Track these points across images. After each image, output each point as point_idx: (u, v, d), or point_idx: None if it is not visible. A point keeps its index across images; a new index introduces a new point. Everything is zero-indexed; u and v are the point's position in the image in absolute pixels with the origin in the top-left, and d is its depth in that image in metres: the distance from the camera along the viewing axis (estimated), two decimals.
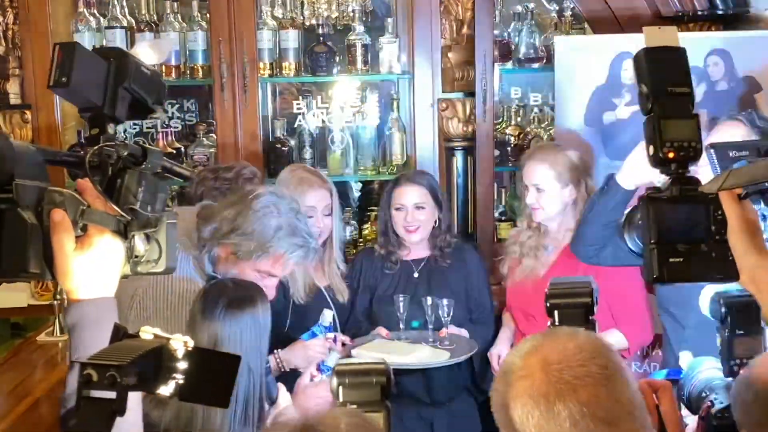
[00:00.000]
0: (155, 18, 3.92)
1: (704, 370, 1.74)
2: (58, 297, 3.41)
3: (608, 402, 1.27)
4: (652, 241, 1.35)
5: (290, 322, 3.16)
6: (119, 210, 1.22)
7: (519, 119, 4.14)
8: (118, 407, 0.99)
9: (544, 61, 3.95)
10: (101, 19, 3.87)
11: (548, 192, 3.14)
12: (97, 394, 0.99)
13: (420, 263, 3.40)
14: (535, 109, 4.14)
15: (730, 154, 1.80)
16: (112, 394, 0.98)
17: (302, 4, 3.95)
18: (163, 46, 1.43)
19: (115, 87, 1.30)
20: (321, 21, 3.92)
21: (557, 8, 4.07)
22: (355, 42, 3.90)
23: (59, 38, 3.82)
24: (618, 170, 2.63)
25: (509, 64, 4.00)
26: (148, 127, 4.13)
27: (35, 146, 1.22)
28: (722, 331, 1.71)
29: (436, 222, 3.36)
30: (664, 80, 1.38)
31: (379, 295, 3.38)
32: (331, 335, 3.08)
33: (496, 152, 3.94)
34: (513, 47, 3.99)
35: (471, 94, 3.81)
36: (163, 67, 3.87)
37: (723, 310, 1.70)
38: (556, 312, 1.59)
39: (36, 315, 3.79)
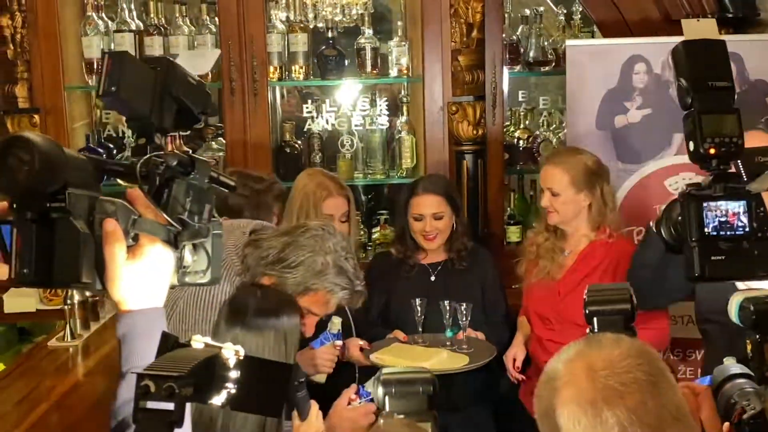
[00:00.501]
0: (164, 21, 3.91)
1: (731, 375, 1.73)
2: (68, 302, 3.39)
3: (655, 408, 1.26)
4: (694, 239, 1.34)
5: None
6: (170, 219, 1.21)
7: (528, 122, 4.15)
8: (177, 418, 0.98)
9: (553, 64, 3.96)
10: (110, 22, 3.85)
11: (562, 196, 3.13)
12: (154, 405, 0.98)
13: (437, 267, 3.40)
14: (544, 113, 4.14)
15: (756, 159, 1.80)
16: (170, 405, 0.98)
17: (311, 6, 3.93)
18: (207, 57, 1.42)
19: (162, 96, 1.30)
20: (330, 24, 3.91)
21: (566, 12, 4.08)
22: (365, 45, 3.90)
23: (67, 42, 3.81)
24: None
25: (518, 68, 4.01)
26: None
27: (85, 155, 1.21)
28: (753, 337, 1.70)
29: (453, 227, 3.36)
30: (703, 74, 1.36)
31: (396, 298, 3.38)
32: (339, 343, 3.07)
33: (506, 156, 3.95)
34: (522, 51, 3.99)
35: (480, 97, 3.81)
36: None
37: (754, 316, 1.69)
38: (595, 319, 1.57)
39: (45, 320, 3.76)
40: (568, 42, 3.69)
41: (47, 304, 3.73)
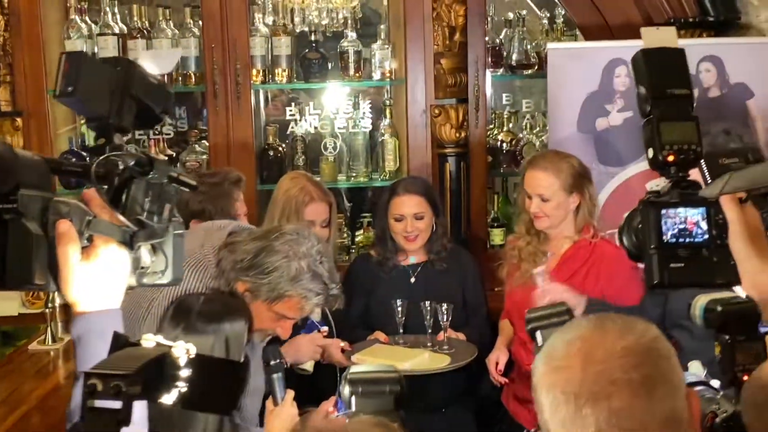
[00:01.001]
0: (147, 25, 3.91)
1: (688, 384, 1.72)
2: (50, 305, 3.39)
3: (641, 413, 1.21)
4: (653, 246, 1.34)
5: None
6: (125, 220, 1.21)
7: (512, 125, 4.15)
8: (124, 417, 0.98)
9: (536, 67, 3.97)
10: (93, 26, 3.85)
11: (553, 201, 3.10)
12: (102, 404, 0.98)
13: (417, 268, 3.41)
14: (528, 116, 4.15)
15: (720, 162, 1.80)
16: (117, 404, 0.98)
17: (292, 11, 3.94)
18: (168, 57, 1.43)
19: (122, 96, 1.30)
20: (313, 28, 3.92)
21: (549, 15, 4.09)
22: (348, 49, 3.90)
23: (50, 45, 3.81)
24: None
25: (501, 71, 4.01)
26: (139, 134, 4.11)
27: (40, 156, 1.21)
28: (723, 338, 1.69)
29: (433, 227, 3.37)
30: (662, 82, 1.37)
31: (376, 300, 3.38)
32: (325, 329, 3.11)
33: (489, 158, 3.95)
34: (505, 54, 4.00)
35: (463, 100, 3.82)
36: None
37: (722, 317, 1.69)
38: (538, 333, 1.57)
39: (27, 324, 3.76)
40: (549, 45, 3.70)
41: (29, 308, 3.73)
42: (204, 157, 3.93)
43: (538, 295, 3.05)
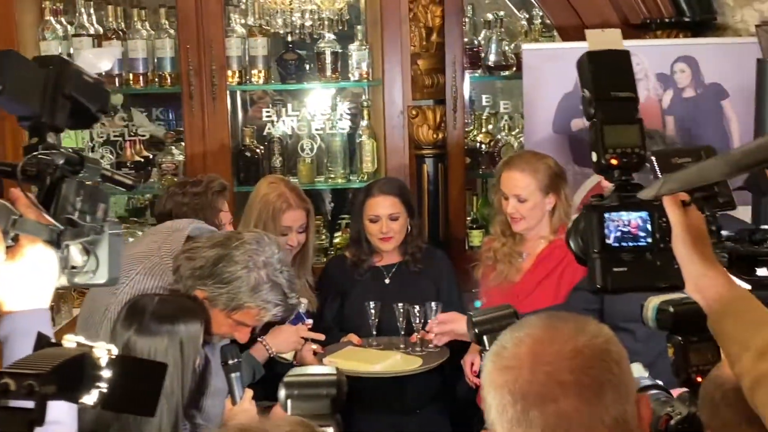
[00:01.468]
0: (123, 26, 3.89)
1: (642, 388, 1.71)
2: None
3: (589, 418, 1.17)
4: (596, 251, 1.32)
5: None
6: (52, 219, 1.20)
7: (491, 127, 4.14)
8: (37, 417, 0.96)
9: (514, 68, 3.96)
10: (68, 27, 3.84)
11: (530, 201, 3.10)
12: (15, 403, 0.97)
13: (391, 269, 3.39)
14: (506, 117, 4.14)
15: (672, 161, 1.79)
16: (30, 404, 0.96)
17: (270, 12, 3.92)
18: (106, 55, 1.41)
19: (55, 95, 1.28)
20: (290, 29, 3.90)
21: (527, 16, 4.09)
22: (325, 49, 3.89)
23: (26, 47, 3.79)
24: None
25: (479, 72, 4.00)
26: (115, 136, 4.10)
27: None
28: (676, 340, 1.68)
29: (408, 228, 3.36)
30: (607, 85, 1.35)
31: (350, 301, 3.37)
32: (309, 322, 3.13)
33: (467, 159, 3.94)
34: (483, 55, 3.99)
35: (441, 101, 3.81)
36: (131, 75, 3.85)
37: (674, 318, 1.67)
38: (485, 338, 1.56)
39: None
40: (525, 46, 3.70)
41: None
42: (181, 158, 3.91)
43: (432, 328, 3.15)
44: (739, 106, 3.38)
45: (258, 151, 3.96)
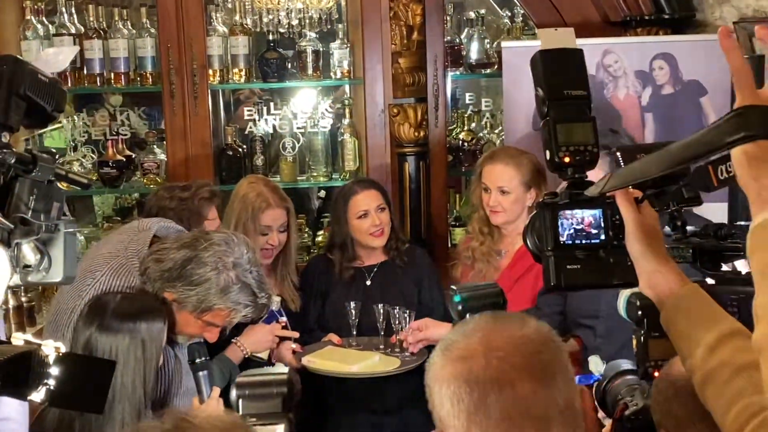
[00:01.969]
0: (104, 25, 3.89)
1: (621, 372, 1.73)
2: (3, 307, 3.36)
3: (545, 401, 1.19)
4: (549, 248, 1.33)
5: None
6: (1, 218, 1.20)
7: (473, 125, 4.15)
8: None
9: (496, 66, 3.96)
10: (50, 26, 3.83)
11: (512, 194, 3.12)
12: None
13: (372, 269, 3.39)
14: (488, 115, 4.15)
15: (638, 157, 1.80)
16: None
17: (258, 11, 3.91)
18: (64, 54, 1.41)
19: (8, 94, 1.29)
20: (272, 27, 3.90)
21: (509, 14, 4.09)
22: (306, 48, 3.89)
23: (7, 46, 3.79)
24: None
25: (461, 70, 4.01)
26: (96, 135, 4.09)
27: None
28: (638, 333, 1.69)
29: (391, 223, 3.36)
30: (560, 83, 1.36)
31: (331, 301, 3.37)
32: (283, 320, 3.13)
33: (449, 157, 3.95)
34: (465, 53, 4.00)
35: (422, 99, 3.81)
36: (113, 74, 3.85)
37: (639, 312, 1.69)
38: (468, 315, 1.56)
39: None
40: (504, 43, 3.70)
41: None
42: (163, 158, 3.91)
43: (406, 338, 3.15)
44: (718, 102, 3.38)
45: (240, 150, 3.96)
